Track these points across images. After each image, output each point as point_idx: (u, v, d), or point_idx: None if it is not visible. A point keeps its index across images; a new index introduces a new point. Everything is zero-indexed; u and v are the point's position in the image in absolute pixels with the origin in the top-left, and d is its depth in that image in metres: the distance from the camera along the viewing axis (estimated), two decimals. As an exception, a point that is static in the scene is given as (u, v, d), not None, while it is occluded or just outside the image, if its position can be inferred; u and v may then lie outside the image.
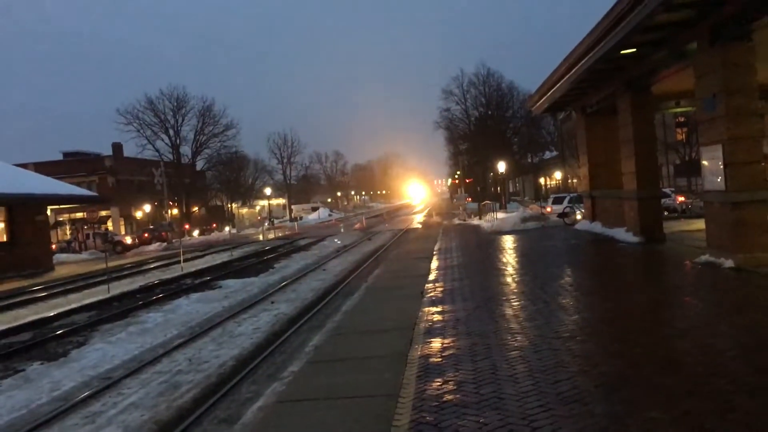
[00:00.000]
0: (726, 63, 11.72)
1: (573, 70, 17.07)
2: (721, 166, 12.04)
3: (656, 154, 19.26)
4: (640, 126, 17.67)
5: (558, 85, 19.55)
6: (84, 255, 41.79)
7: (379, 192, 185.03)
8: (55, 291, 21.83)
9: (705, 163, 12.96)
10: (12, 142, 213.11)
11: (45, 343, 12.76)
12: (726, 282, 10.74)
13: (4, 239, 30.27)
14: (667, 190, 32.94)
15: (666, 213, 25.63)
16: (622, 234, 18.71)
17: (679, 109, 22.19)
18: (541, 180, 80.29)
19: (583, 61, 15.81)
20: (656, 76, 16.15)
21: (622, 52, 14.45)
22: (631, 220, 18.37)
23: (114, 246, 43.17)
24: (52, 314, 16.04)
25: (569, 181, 64.11)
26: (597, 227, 22.30)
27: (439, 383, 6.27)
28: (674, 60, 14.39)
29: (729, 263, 11.68)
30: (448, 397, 5.82)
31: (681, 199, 33.13)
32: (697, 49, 12.68)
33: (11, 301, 19.84)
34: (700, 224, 16.03)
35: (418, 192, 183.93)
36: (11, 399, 8.98)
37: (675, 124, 47.94)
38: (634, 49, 14.43)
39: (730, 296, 9.73)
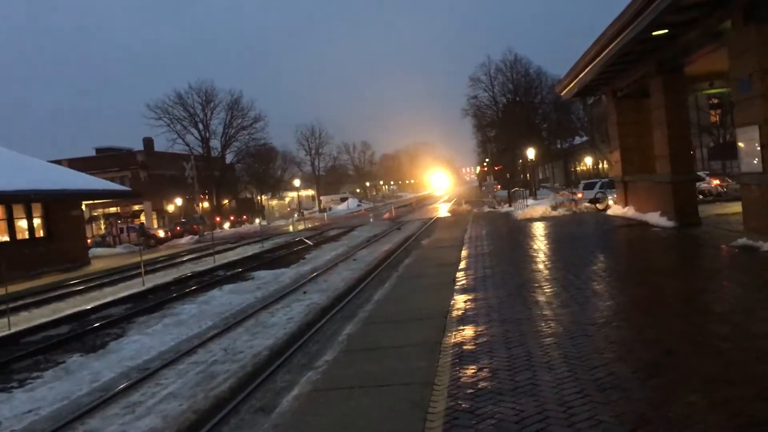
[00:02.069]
0: (762, 42, 11.43)
1: (603, 53, 16.80)
2: (758, 148, 11.78)
3: (690, 136, 18.92)
4: (673, 108, 17.36)
5: (588, 68, 19.26)
6: (118, 249, 42.51)
7: (407, 181, 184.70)
8: (91, 284, 22.27)
9: (741, 144, 12.69)
10: (46, 139, 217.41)
11: (84, 335, 13.03)
12: (764, 265, 10.54)
13: (41, 234, 30.90)
14: (701, 174, 32.36)
15: (701, 197, 25.22)
16: (655, 218, 18.44)
17: (712, 91, 21.82)
18: (572, 166, 79.42)
19: (614, 44, 15.55)
20: (689, 57, 15.83)
21: (654, 33, 14.19)
22: (664, 204, 18.10)
23: (147, 240, 43.81)
24: (89, 307, 16.36)
25: (600, 166, 63.34)
26: (630, 212, 22.01)
27: (474, 370, 6.27)
28: (708, 40, 14.09)
29: (767, 246, 11.44)
30: (484, 384, 5.81)
31: (716, 182, 32.57)
32: (732, 28, 12.40)
33: (50, 294, 20.30)
34: (736, 207, 15.72)
35: (441, 181, 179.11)
36: (53, 390, 9.19)
37: (708, 105, 46.96)
38: (666, 30, 14.16)
39: (769, 280, 9.53)
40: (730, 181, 31.74)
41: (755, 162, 12.02)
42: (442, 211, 55.02)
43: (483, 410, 5.14)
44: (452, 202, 77.38)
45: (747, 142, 12.32)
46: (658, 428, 4.42)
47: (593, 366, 5.92)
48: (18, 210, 29.54)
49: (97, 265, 31.26)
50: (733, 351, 6.00)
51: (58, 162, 47.73)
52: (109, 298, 17.77)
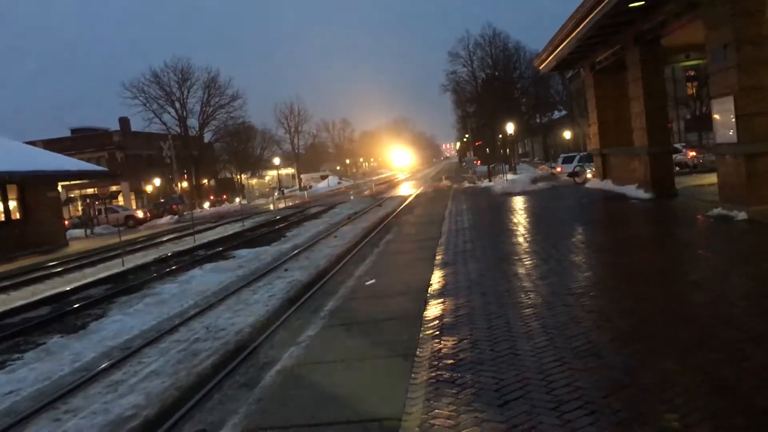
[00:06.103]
0: (737, 12, 11.53)
1: (581, 26, 16.82)
2: (733, 119, 11.92)
3: (667, 108, 19.06)
4: (649, 80, 17.47)
5: (565, 42, 19.29)
6: (97, 230, 42.02)
7: (387, 158, 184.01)
8: (70, 266, 22.07)
9: (716, 116, 12.83)
10: (21, 120, 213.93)
11: (64, 316, 12.93)
12: (739, 234, 10.72)
13: (17, 217, 30.51)
14: (677, 146, 32.65)
15: (677, 168, 25.48)
16: (633, 191, 18.63)
17: (689, 62, 21.96)
18: (551, 140, 79.73)
19: (591, 16, 15.57)
20: (666, 28, 15.90)
21: (631, 5, 14.21)
22: (642, 176, 18.28)
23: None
24: (69, 288, 16.24)
25: (579, 140, 63.65)
26: (608, 185, 22.22)
27: (454, 341, 6.34)
28: (684, 11, 14.15)
29: (742, 215, 11.64)
30: (464, 354, 5.88)
31: (692, 153, 32.90)
32: (707, -1, 12.46)
33: (28, 276, 20.08)
34: (711, 179, 15.92)
35: (402, 159, 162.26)
36: (34, 371, 9.13)
37: (685, 78, 47.28)
38: (643, 2, 14.19)
39: (742, 248, 9.72)
40: (706, 152, 32.09)
41: (730, 133, 12.16)
42: (423, 187, 55.05)
43: (464, 380, 5.22)
44: (430, 178, 77.24)
45: (722, 114, 12.44)
46: (634, 393, 4.52)
47: (571, 335, 6.02)
48: (-7, 192, 29.14)
49: (75, 247, 30.95)
50: (707, 318, 6.12)
51: (33, 143, 46.90)
52: (89, 279, 17.63)
